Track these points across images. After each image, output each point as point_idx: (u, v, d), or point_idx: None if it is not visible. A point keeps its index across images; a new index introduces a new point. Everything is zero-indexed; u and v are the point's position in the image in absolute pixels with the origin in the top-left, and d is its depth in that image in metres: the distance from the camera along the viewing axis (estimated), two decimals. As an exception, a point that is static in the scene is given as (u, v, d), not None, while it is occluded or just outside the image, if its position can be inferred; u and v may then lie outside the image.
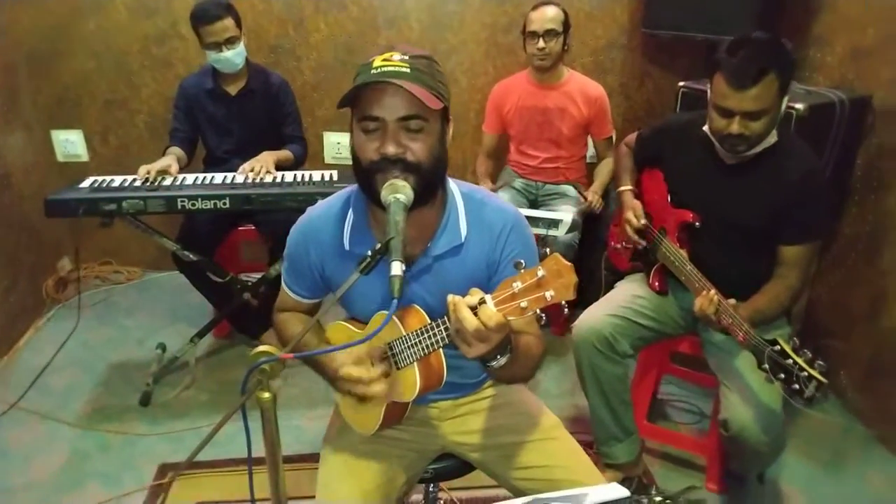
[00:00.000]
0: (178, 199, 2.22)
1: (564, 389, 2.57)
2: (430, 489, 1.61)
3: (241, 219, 2.74)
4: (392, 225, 1.06)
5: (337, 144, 3.28)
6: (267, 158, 2.53)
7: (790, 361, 1.45)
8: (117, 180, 2.34)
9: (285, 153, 2.68)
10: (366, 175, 1.15)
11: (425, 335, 1.15)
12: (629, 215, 2.03)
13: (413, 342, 1.17)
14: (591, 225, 2.85)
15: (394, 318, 1.19)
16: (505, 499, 1.17)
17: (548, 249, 2.53)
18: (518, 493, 1.29)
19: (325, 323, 1.44)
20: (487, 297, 0.99)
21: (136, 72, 3.11)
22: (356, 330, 1.33)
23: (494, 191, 2.89)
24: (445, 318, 1.10)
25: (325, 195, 2.23)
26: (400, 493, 1.34)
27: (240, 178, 2.40)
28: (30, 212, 3.00)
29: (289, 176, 2.44)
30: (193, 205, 2.23)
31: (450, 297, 1.02)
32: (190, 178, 2.39)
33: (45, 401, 2.45)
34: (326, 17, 3.08)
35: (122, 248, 3.40)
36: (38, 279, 3.10)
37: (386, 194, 1.11)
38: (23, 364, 2.69)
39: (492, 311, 0.97)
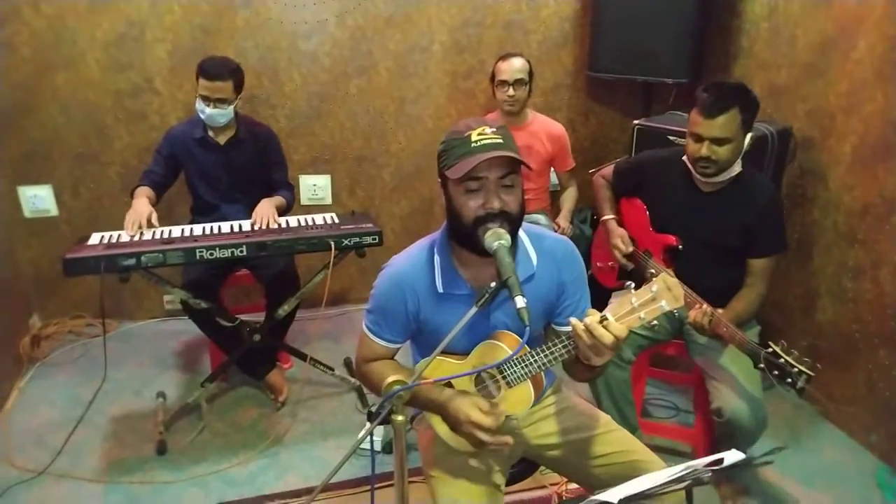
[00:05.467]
0: (197, 250, 2.30)
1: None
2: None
3: (236, 265, 2.81)
4: (506, 266, 1.27)
5: (313, 186, 3.42)
6: (270, 209, 2.61)
7: (782, 360, 1.79)
8: (124, 235, 2.39)
9: (280, 200, 2.77)
10: (470, 228, 1.35)
11: (540, 355, 1.37)
12: (617, 242, 2.33)
13: (528, 362, 1.38)
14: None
15: (496, 342, 1.40)
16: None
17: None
18: (596, 481, 1.52)
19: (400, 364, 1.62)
20: (608, 315, 1.23)
21: (109, 125, 3.10)
22: (456, 362, 1.47)
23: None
24: (564, 338, 1.33)
25: (335, 237, 2.43)
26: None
27: (246, 226, 2.51)
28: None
29: (293, 221, 2.58)
30: (211, 254, 2.31)
31: (574, 321, 1.24)
32: (198, 229, 2.46)
33: (56, 461, 2.40)
34: (300, 69, 3.22)
35: (91, 301, 3.34)
36: (13, 339, 3.02)
37: (490, 241, 1.31)
38: (16, 427, 2.62)
39: (618, 325, 1.21)
